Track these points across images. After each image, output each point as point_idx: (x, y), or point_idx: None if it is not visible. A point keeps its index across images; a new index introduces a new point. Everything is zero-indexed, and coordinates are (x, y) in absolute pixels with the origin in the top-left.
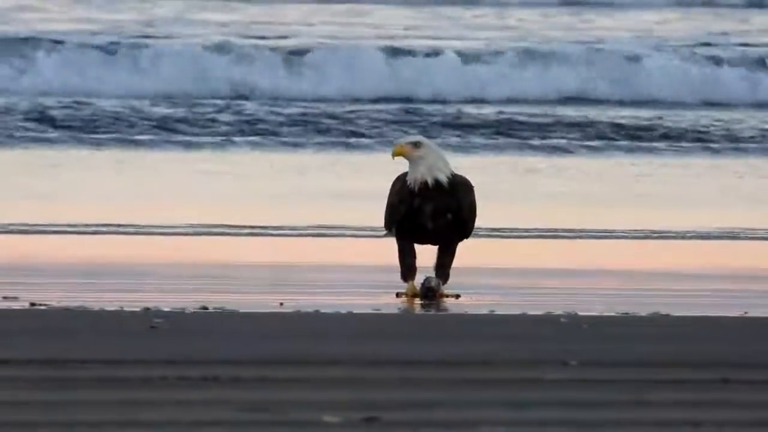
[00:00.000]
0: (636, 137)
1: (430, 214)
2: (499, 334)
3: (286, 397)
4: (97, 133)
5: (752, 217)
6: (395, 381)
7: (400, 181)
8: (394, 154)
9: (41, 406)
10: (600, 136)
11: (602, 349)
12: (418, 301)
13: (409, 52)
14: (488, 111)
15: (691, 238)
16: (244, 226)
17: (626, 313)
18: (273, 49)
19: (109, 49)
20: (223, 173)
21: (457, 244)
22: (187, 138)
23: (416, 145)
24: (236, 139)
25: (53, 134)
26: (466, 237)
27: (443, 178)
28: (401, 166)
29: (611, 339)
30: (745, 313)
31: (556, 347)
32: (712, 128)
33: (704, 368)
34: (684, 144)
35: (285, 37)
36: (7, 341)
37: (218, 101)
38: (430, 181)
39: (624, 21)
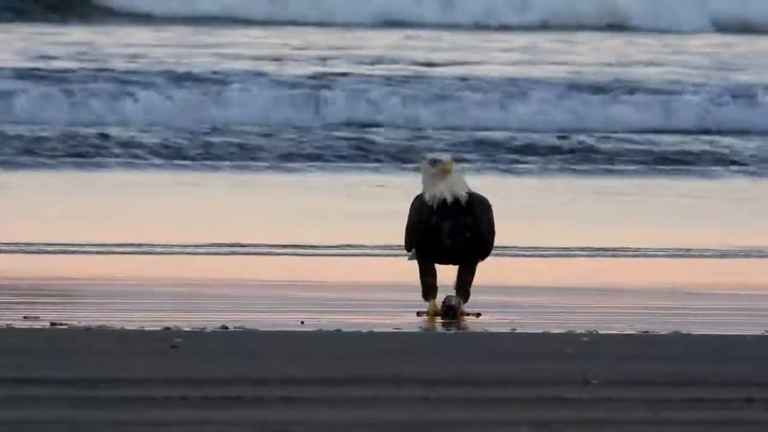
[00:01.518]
0: (673, 161)
1: (449, 233)
2: (521, 353)
3: (309, 417)
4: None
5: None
6: (417, 400)
7: (418, 200)
8: (448, 169)
9: (62, 426)
10: (634, 160)
11: (623, 368)
12: (439, 320)
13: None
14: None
15: (710, 256)
16: (263, 245)
17: (647, 332)
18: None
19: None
20: (241, 192)
21: (476, 263)
22: (204, 161)
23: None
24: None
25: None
26: (486, 256)
27: (462, 195)
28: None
29: (632, 358)
30: (766, 331)
31: (577, 366)
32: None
33: (727, 387)
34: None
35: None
36: (29, 361)
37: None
38: (449, 198)
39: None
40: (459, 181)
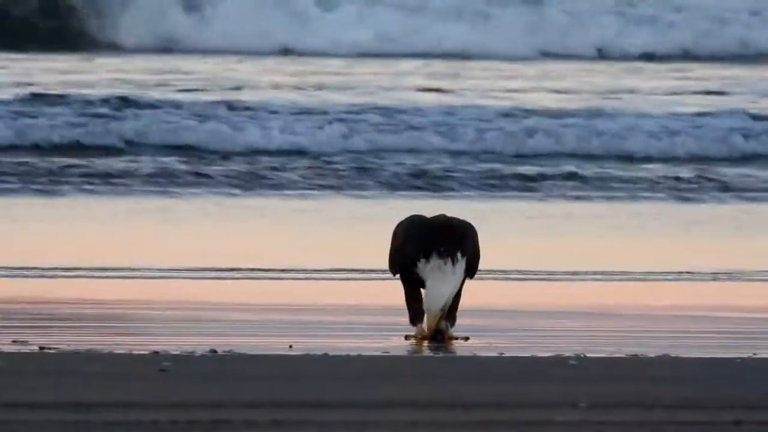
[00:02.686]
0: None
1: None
2: (509, 376)
3: None
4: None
5: (755, 257)
6: (405, 424)
7: (402, 225)
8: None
9: None
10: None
11: (612, 390)
12: (427, 343)
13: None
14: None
15: (697, 279)
16: (252, 269)
17: (635, 355)
18: None
19: None
20: (231, 217)
21: (461, 286)
22: (193, 188)
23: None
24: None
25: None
26: (470, 278)
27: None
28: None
29: (621, 381)
30: (755, 354)
31: (565, 389)
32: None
33: (716, 410)
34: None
35: None
36: (17, 384)
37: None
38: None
39: None
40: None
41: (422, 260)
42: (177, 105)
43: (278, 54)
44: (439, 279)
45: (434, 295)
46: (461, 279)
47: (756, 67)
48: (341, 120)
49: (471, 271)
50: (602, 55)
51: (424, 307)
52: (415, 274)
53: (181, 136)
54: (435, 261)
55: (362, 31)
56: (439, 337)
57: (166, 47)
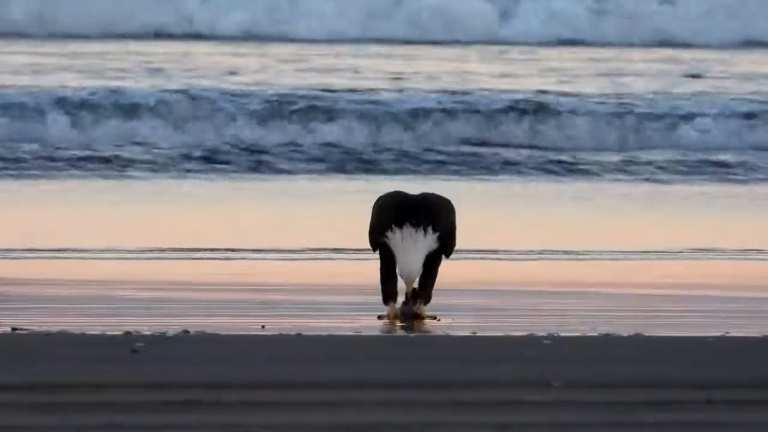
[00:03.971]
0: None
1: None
2: (482, 356)
3: (270, 420)
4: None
5: (724, 235)
6: (378, 403)
7: (382, 203)
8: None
9: None
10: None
11: (585, 370)
12: (399, 323)
13: None
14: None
15: (669, 257)
16: (223, 249)
17: (608, 334)
18: None
19: None
20: (202, 197)
21: (438, 263)
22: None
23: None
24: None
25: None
26: (447, 256)
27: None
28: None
29: (594, 360)
30: (727, 333)
31: (539, 368)
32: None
33: (688, 389)
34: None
35: None
36: None
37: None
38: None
39: None
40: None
41: (393, 229)
42: None
43: None
44: (409, 248)
45: (403, 264)
46: (431, 249)
47: None
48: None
49: (446, 248)
50: None
51: (399, 275)
52: (387, 244)
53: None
54: (406, 230)
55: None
56: (411, 316)
57: None
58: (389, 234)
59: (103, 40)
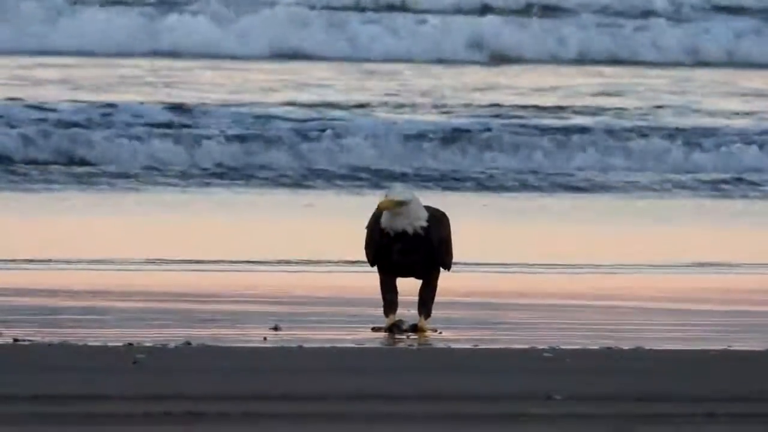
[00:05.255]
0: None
1: (400, 251)
2: (483, 369)
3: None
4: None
5: (725, 250)
6: (379, 416)
7: (373, 219)
8: (380, 208)
9: None
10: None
11: (586, 383)
12: (399, 336)
13: None
14: None
15: (671, 271)
16: (226, 261)
17: (610, 347)
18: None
19: None
20: (206, 209)
21: (436, 277)
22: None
23: (400, 204)
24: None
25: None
26: (445, 269)
27: (422, 225)
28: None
29: (595, 373)
30: (728, 346)
31: (540, 381)
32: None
33: (689, 402)
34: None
35: None
36: None
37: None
38: (409, 230)
39: None
40: (417, 212)
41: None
42: None
43: None
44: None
45: (391, 189)
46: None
47: None
48: None
49: (443, 260)
50: None
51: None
52: (383, 255)
53: None
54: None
55: None
56: (411, 329)
57: None
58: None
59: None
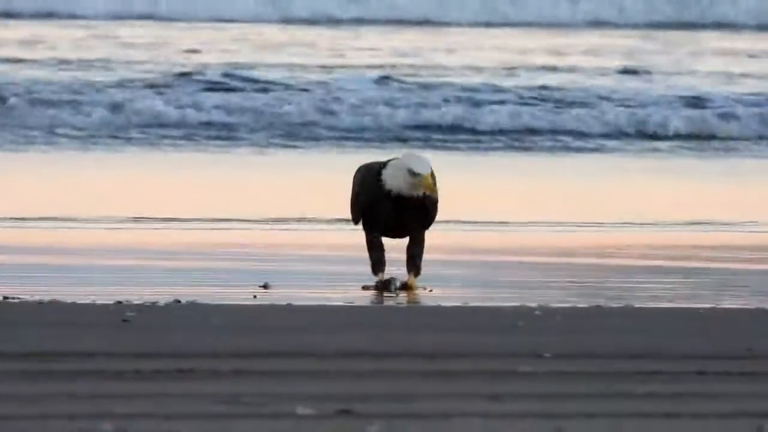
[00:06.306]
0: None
1: (394, 210)
2: (473, 326)
3: (261, 389)
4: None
5: (715, 209)
6: (369, 373)
7: (363, 172)
8: (425, 187)
9: (14, 399)
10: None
11: (576, 341)
12: (388, 293)
13: None
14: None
15: (660, 229)
16: (215, 219)
17: (599, 306)
18: None
19: None
20: (194, 167)
21: (423, 234)
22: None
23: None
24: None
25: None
26: (428, 226)
27: (435, 196)
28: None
29: (585, 331)
30: (717, 304)
31: (530, 339)
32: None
33: (679, 360)
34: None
35: None
36: None
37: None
38: (416, 195)
39: None
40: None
41: (384, 169)
42: None
43: None
44: (413, 157)
45: (417, 161)
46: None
47: None
48: None
49: (428, 217)
50: None
51: (417, 171)
52: (369, 213)
53: None
54: (397, 159)
55: None
56: (401, 286)
57: None
58: (384, 173)
59: None
